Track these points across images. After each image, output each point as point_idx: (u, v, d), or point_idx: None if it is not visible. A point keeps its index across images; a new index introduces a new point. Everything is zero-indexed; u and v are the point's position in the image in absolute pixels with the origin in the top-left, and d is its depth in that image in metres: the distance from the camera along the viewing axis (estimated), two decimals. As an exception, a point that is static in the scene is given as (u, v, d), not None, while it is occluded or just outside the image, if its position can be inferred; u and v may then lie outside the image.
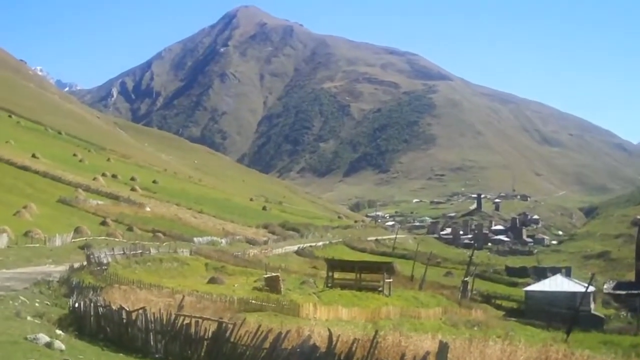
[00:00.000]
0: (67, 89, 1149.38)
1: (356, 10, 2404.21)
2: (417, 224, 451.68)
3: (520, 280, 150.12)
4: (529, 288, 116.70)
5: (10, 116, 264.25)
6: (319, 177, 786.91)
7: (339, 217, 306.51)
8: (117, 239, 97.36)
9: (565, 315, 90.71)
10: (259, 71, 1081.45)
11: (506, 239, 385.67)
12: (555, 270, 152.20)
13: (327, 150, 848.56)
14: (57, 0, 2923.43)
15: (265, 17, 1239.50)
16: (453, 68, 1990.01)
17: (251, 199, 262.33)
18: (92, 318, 34.14)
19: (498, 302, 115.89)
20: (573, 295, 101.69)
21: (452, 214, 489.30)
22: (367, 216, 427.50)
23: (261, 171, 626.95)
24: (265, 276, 70.44)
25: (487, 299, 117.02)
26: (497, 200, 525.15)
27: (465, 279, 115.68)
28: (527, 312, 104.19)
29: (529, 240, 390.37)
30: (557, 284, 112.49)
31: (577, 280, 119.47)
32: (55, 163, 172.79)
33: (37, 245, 76.88)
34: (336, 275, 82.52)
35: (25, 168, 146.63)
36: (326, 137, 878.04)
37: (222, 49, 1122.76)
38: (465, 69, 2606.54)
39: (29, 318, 35.07)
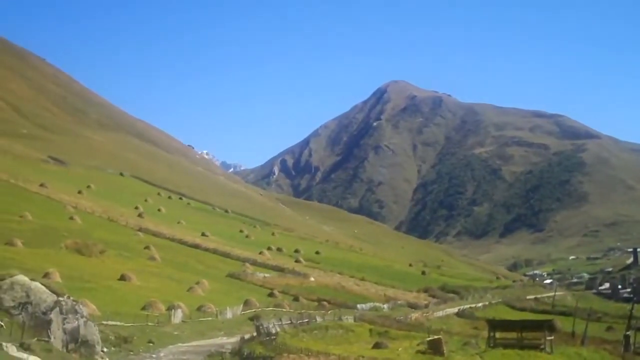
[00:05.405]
0: (231, 169, 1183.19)
1: (501, 77, 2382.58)
2: (575, 280, 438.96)
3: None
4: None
5: (181, 198, 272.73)
6: (475, 240, 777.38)
7: (497, 278, 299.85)
8: (284, 309, 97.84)
9: None
10: (411, 142, 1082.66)
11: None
12: None
13: (481, 213, 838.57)
14: (219, 91, 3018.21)
15: (414, 90, 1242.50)
16: (600, 126, 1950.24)
17: (410, 265, 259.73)
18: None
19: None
20: None
21: (609, 269, 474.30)
22: (525, 275, 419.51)
23: (418, 237, 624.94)
24: (428, 339, 69.23)
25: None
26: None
27: (627, 332, 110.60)
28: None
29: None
30: None
31: None
32: (224, 240, 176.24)
33: (210, 318, 78.04)
34: (498, 334, 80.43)
35: (196, 246, 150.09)
36: (480, 200, 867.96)
37: (375, 123, 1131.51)
38: (612, 126, 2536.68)
39: (203, 389, 35.45)
